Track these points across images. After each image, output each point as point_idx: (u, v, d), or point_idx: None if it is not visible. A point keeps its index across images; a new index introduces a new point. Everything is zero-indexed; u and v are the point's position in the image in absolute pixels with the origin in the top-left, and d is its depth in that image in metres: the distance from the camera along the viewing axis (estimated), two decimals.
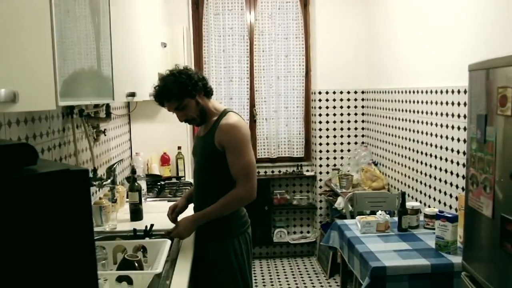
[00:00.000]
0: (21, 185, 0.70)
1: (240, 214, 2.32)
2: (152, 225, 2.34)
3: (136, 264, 1.83)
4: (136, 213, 2.69)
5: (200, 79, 2.16)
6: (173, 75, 2.11)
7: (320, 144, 4.81)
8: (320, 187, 4.84)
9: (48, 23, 1.15)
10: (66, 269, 0.75)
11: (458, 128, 2.93)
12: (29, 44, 1.06)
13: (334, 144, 4.83)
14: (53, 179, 0.72)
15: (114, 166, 2.69)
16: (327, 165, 4.83)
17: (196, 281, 2.44)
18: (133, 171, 2.83)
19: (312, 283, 4.31)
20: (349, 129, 4.83)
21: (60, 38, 1.26)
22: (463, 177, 2.88)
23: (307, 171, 4.96)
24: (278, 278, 4.44)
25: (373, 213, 3.29)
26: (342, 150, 4.84)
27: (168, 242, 2.07)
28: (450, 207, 3.06)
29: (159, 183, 3.60)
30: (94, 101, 1.79)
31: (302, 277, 4.44)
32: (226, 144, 2.16)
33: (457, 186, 2.97)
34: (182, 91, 2.07)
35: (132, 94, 2.23)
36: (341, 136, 4.83)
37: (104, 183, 2.59)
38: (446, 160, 3.10)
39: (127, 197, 2.97)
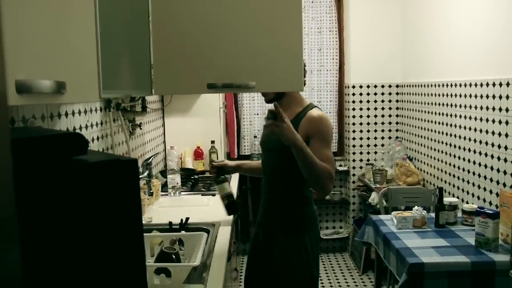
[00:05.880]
0: (72, 175, 0.71)
1: (312, 209, 2.25)
2: (187, 218, 2.35)
3: (174, 257, 1.84)
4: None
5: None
6: None
7: (354, 138, 4.75)
8: (353, 182, 4.79)
9: (92, 14, 1.16)
10: (117, 257, 0.76)
11: (500, 122, 2.84)
12: (75, 35, 1.07)
13: (368, 138, 4.76)
14: (104, 168, 0.73)
15: (151, 159, 2.71)
16: (361, 160, 4.77)
17: (259, 277, 2.35)
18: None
19: (345, 278, 4.27)
20: (383, 123, 4.76)
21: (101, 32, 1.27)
22: (505, 172, 2.80)
23: (340, 165, 4.90)
24: None
25: (408, 208, 3.23)
26: (375, 145, 4.77)
27: (205, 235, 2.08)
28: (490, 203, 2.97)
29: (192, 177, 3.62)
30: (133, 94, 1.80)
31: (334, 273, 4.41)
32: (314, 133, 2.07)
33: (497, 182, 2.89)
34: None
35: None
36: (375, 131, 4.76)
37: (140, 176, 2.62)
38: (486, 155, 3.01)
39: (161, 191, 2.99)
